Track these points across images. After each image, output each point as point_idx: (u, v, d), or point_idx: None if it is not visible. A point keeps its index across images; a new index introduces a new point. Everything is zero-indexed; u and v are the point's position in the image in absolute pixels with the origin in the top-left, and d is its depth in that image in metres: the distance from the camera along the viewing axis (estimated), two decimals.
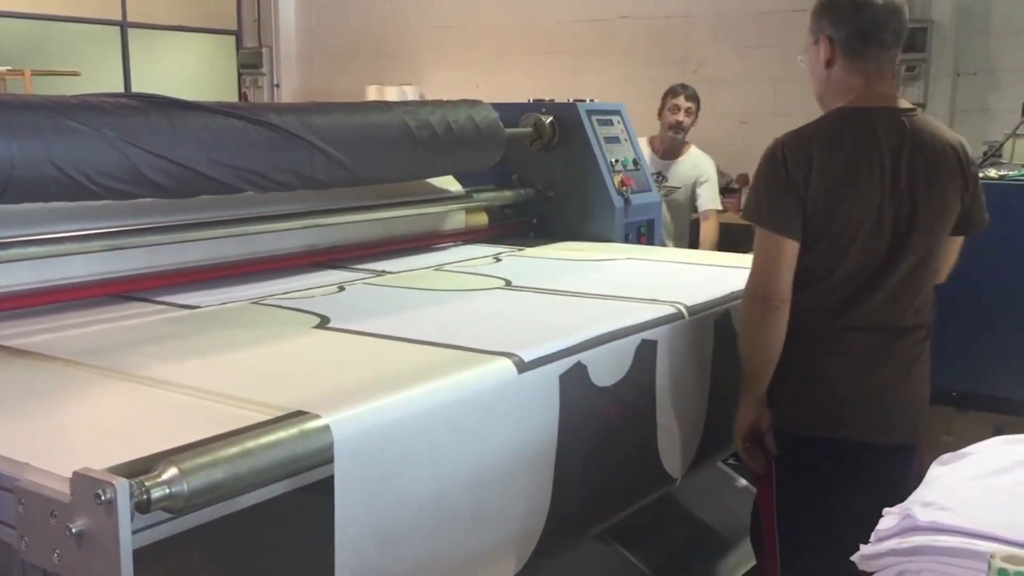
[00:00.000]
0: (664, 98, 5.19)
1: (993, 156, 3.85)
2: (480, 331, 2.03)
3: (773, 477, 2.31)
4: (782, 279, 2.20)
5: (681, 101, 5.10)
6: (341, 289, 2.49)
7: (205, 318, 2.17)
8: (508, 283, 2.56)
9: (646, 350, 2.07)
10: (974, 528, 1.33)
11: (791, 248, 2.19)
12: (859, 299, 2.22)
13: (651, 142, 5.08)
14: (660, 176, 4.90)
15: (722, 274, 2.70)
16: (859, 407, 2.24)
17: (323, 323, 2.09)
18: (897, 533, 1.41)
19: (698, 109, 5.16)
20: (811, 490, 2.26)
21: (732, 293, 2.39)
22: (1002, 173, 3.44)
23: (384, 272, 2.72)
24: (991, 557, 1.14)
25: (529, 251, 3.15)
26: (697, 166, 5.08)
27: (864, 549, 1.44)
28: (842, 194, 2.19)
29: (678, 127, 5.06)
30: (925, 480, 1.56)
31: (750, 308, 2.24)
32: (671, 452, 2.21)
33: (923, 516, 1.39)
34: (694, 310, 2.30)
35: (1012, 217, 3.32)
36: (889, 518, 1.45)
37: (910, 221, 2.21)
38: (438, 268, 2.81)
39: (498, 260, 2.97)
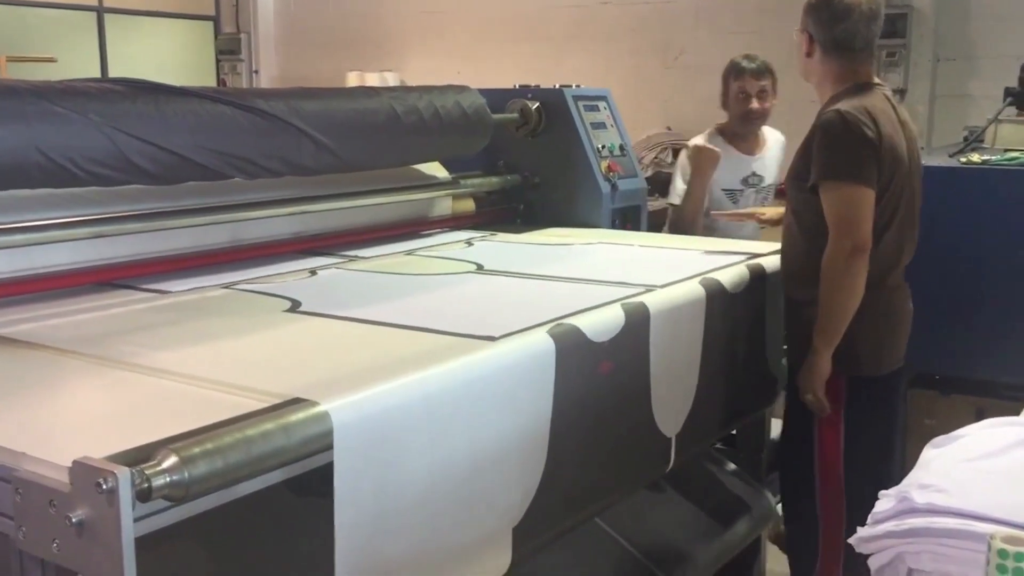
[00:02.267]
0: (725, 80, 3.88)
1: (974, 141, 3.87)
2: (453, 314, 2.06)
3: (841, 418, 2.57)
4: (866, 227, 2.47)
5: (749, 83, 3.75)
6: (313, 274, 2.49)
7: (185, 305, 2.16)
8: (480, 267, 2.58)
9: (638, 312, 2.08)
10: (971, 510, 1.35)
11: (870, 198, 2.47)
12: (903, 246, 2.63)
13: (726, 137, 3.85)
14: (755, 177, 3.83)
15: (699, 258, 2.73)
16: (906, 340, 2.68)
17: (294, 307, 2.10)
18: (894, 515, 1.42)
19: (775, 84, 3.84)
20: (880, 425, 2.64)
21: (703, 276, 2.41)
22: (984, 158, 3.46)
23: (357, 257, 2.72)
24: (991, 538, 1.15)
25: (502, 236, 3.16)
26: (781, 144, 3.93)
27: (861, 532, 1.45)
28: (896, 153, 2.53)
29: (752, 116, 3.78)
30: (919, 462, 1.58)
31: (838, 259, 2.46)
32: (665, 410, 2.21)
33: (920, 498, 1.40)
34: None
35: (994, 202, 3.35)
36: (885, 500, 1.46)
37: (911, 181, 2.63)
38: (410, 253, 2.81)
39: (470, 245, 2.98)
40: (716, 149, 3.63)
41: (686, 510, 2.67)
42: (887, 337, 2.64)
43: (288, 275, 2.46)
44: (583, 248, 2.95)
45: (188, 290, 2.28)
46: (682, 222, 3.72)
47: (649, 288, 2.24)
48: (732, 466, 2.89)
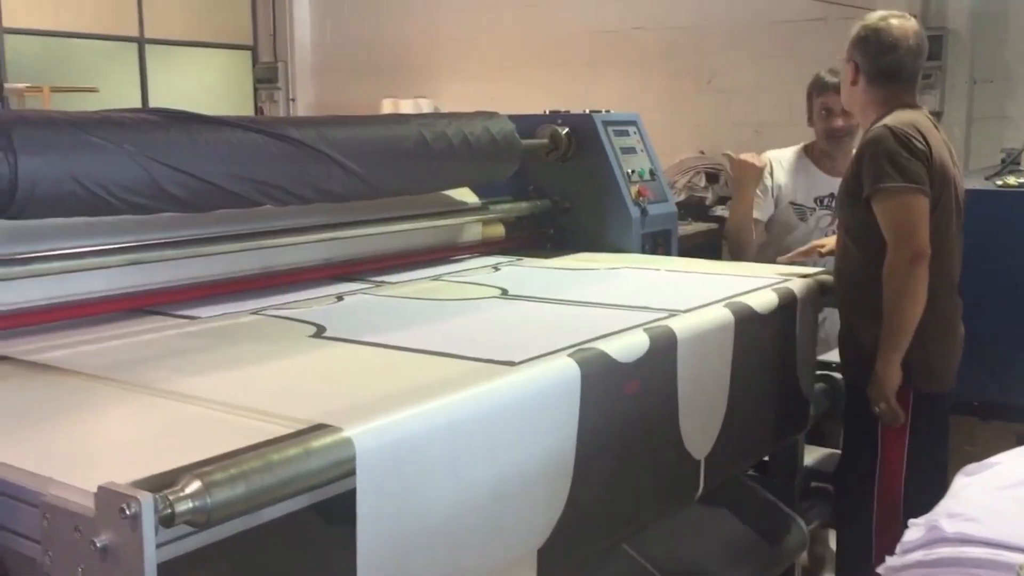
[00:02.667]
0: (809, 97, 3.62)
1: (1011, 163, 3.83)
2: (475, 339, 2.07)
3: (907, 431, 2.62)
4: (924, 233, 2.52)
5: (832, 99, 3.45)
6: (340, 299, 2.52)
7: (213, 332, 2.18)
8: (504, 292, 2.59)
9: (663, 336, 2.08)
10: (1001, 539, 1.32)
11: (925, 204, 2.53)
12: (955, 264, 2.70)
13: (813, 158, 3.67)
14: (831, 198, 3.52)
15: (728, 281, 2.71)
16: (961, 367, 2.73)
17: (319, 332, 2.13)
18: (923, 545, 1.40)
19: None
20: (941, 444, 2.73)
21: (728, 300, 2.41)
22: (1021, 180, 3.42)
23: (384, 283, 2.74)
24: (1020, 569, 1.13)
25: (528, 261, 3.17)
26: None
27: (890, 561, 1.43)
28: (945, 167, 2.60)
29: (835, 134, 3.55)
30: (950, 491, 1.56)
31: (900, 266, 2.51)
32: (694, 431, 2.20)
33: (950, 527, 1.38)
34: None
35: None
36: (915, 530, 1.44)
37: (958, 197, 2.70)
38: (436, 278, 2.82)
39: (497, 270, 2.99)
40: (757, 161, 3.57)
41: (717, 538, 2.64)
42: (955, 353, 2.72)
43: (315, 301, 2.48)
44: (607, 273, 2.95)
45: (216, 316, 2.31)
46: (729, 236, 3.75)
47: (672, 313, 2.23)
48: (765, 493, 2.85)
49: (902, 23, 2.72)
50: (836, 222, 3.42)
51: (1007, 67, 6.04)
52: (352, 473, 1.38)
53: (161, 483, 1.20)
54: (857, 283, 2.67)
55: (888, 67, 2.69)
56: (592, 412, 1.83)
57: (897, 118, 2.61)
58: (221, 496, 1.21)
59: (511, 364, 1.78)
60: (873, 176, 2.54)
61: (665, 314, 2.22)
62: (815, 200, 3.65)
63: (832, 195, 3.47)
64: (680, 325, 2.14)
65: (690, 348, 2.13)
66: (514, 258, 3.21)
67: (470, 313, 2.39)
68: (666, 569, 2.38)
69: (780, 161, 3.70)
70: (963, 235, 2.75)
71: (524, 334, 2.12)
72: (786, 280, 2.70)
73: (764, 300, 2.48)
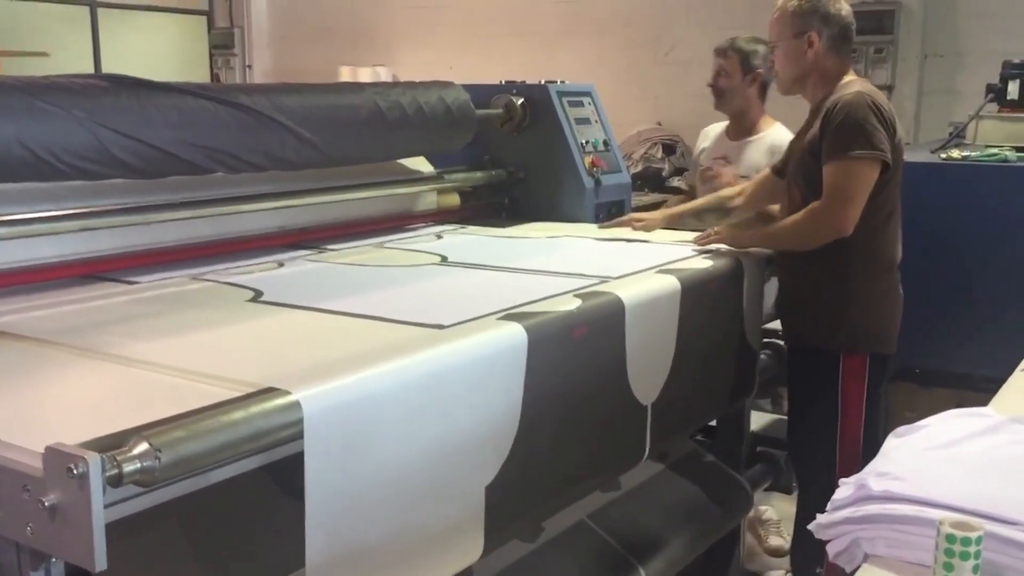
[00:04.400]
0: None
1: (957, 137, 3.91)
2: (408, 304, 2.11)
3: (864, 393, 2.74)
4: (859, 208, 2.58)
5: (713, 59, 3.72)
6: (280, 266, 2.55)
7: (161, 297, 2.20)
8: (444, 259, 2.64)
9: (595, 301, 2.13)
10: (925, 497, 1.38)
11: (875, 175, 2.58)
12: (900, 231, 2.77)
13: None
14: (724, 161, 3.67)
15: (667, 250, 2.78)
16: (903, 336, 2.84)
17: (256, 297, 2.16)
18: (852, 502, 1.45)
19: (745, 66, 3.62)
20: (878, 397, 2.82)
21: (662, 266, 2.49)
22: (965, 154, 3.50)
23: (326, 250, 2.77)
24: (940, 524, 1.18)
25: (471, 229, 3.22)
26: (777, 149, 3.38)
27: (820, 518, 1.48)
28: (899, 145, 2.67)
29: (713, 92, 3.71)
30: (881, 451, 1.61)
31: (821, 221, 2.60)
32: (641, 377, 2.25)
33: (877, 486, 1.43)
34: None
35: (973, 198, 3.39)
36: (845, 488, 1.49)
37: None
38: (378, 246, 2.86)
39: (439, 238, 3.03)
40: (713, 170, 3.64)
41: (664, 500, 2.70)
42: (900, 317, 2.82)
43: (256, 267, 2.51)
44: (547, 242, 3.00)
45: (155, 281, 2.32)
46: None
47: (604, 279, 2.30)
48: (711, 457, 2.92)
49: None
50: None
51: (957, 42, 6.12)
52: (300, 436, 1.41)
53: (109, 444, 1.22)
54: (825, 252, 2.68)
55: (847, 31, 2.77)
56: (538, 373, 1.87)
57: (864, 85, 2.70)
58: (169, 457, 1.23)
59: (440, 327, 1.83)
60: (840, 141, 2.58)
61: (597, 280, 2.28)
62: (714, 161, 3.76)
63: (725, 157, 3.67)
64: (620, 291, 2.18)
65: (634, 312, 2.17)
66: (458, 226, 3.24)
67: (406, 279, 2.44)
68: (613, 530, 2.44)
69: (708, 131, 3.91)
70: None
71: (457, 299, 2.17)
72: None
73: (697, 266, 2.55)
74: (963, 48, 6.12)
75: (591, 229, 3.22)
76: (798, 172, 2.78)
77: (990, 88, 4.06)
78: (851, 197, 2.57)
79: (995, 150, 3.50)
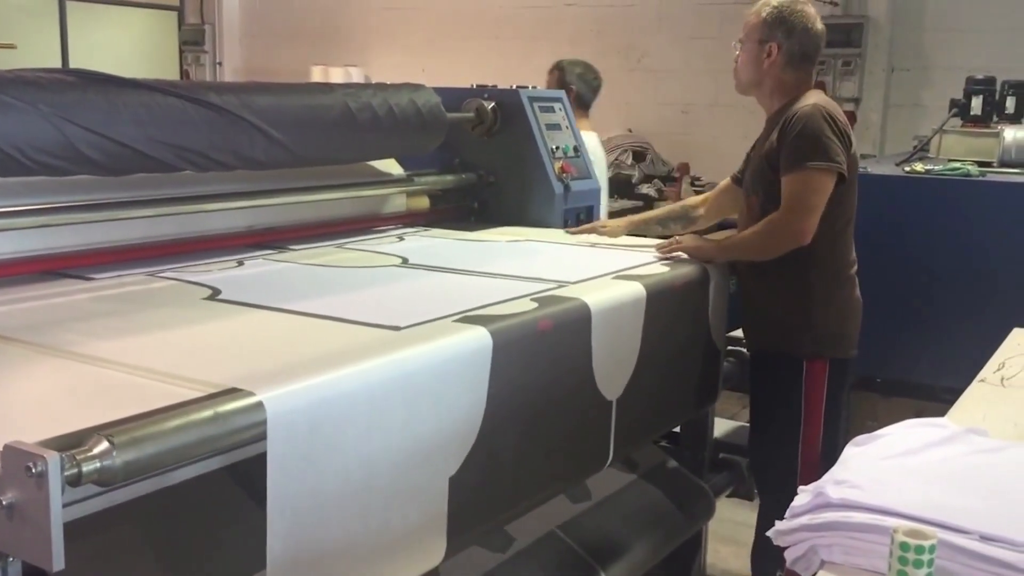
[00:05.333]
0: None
1: (921, 150, 3.97)
2: (366, 304, 2.11)
3: (823, 399, 2.78)
4: (816, 218, 2.63)
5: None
6: (240, 264, 2.54)
7: (123, 295, 2.18)
8: (405, 261, 2.64)
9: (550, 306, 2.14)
10: (882, 505, 1.40)
11: (831, 186, 2.63)
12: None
13: None
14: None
15: (621, 255, 2.82)
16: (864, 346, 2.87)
17: (213, 295, 2.15)
18: (810, 510, 1.47)
19: (562, 82, 4.53)
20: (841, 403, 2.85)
21: (618, 271, 2.52)
22: (928, 168, 3.56)
23: (287, 249, 2.77)
24: (894, 532, 1.20)
25: (434, 232, 3.23)
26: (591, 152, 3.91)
27: (779, 525, 1.50)
28: (855, 156, 2.73)
29: None
30: (840, 460, 1.63)
31: (779, 231, 2.65)
32: (606, 373, 2.26)
33: (835, 494, 1.45)
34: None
35: (934, 211, 3.45)
36: (803, 495, 1.51)
37: None
38: (339, 246, 2.86)
39: (401, 240, 3.04)
40: None
41: (628, 505, 2.72)
42: (859, 321, 2.85)
43: (215, 265, 2.50)
44: (508, 245, 3.02)
45: (111, 278, 2.30)
46: None
47: (562, 284, 2.32)
48: (674, 463, 2.95)
49: (811, 7, 2.85)
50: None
51: (924, 56, 6.23)
52: (263, 437, 1.40)
53: (68, 443, 1.21)
54: (786, 258, 2.71)
55: (808, 49, 2.79)
56: (502, 374, 1.88)
57: (821, 98, 2.74)
58: (129, 456, 1.22)
59: (396, 329, 1.84)
60: (797, 153, 2.63)
61: (555, 285, 2.30)
62: None
63: None
64: (582, 296, 2.20)
65: (599, 316, 2.19)
66: (421, 229, 3.24)
67: (365, 280, 2.44)
68: (576, 535, 2.45)
69: None
70: None
71: (414, 301, 2.18)
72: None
73: (667, 272, 2.58)
74: (929, 63, 6.22)
75: (558, 234, 3.24)
76: (756, 181, 2.82)
77: (954, 103, 4.13)
78: (810, 207, 2.62)
79: (958, 164, 3.56)
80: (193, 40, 9.17)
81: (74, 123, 2.11)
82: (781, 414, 2.83)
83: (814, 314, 2.75)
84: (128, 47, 9.14)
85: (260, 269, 2.53)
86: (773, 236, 2.66)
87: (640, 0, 7.27)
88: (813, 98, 2.74)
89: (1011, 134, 4.39)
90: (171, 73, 8.98)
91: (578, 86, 4.60)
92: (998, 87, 4.63)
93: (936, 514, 1.32)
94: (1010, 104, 4.56)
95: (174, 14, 9.41)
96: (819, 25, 2.83)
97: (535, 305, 2.07)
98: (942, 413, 1.84)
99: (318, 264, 2.58)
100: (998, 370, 2.23)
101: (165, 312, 2.04)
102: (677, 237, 2.87)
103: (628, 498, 2.77)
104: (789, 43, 2.77)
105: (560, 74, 4.61)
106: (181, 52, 9.27)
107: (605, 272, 2.50)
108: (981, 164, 4.22)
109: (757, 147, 2.88)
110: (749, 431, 3.02)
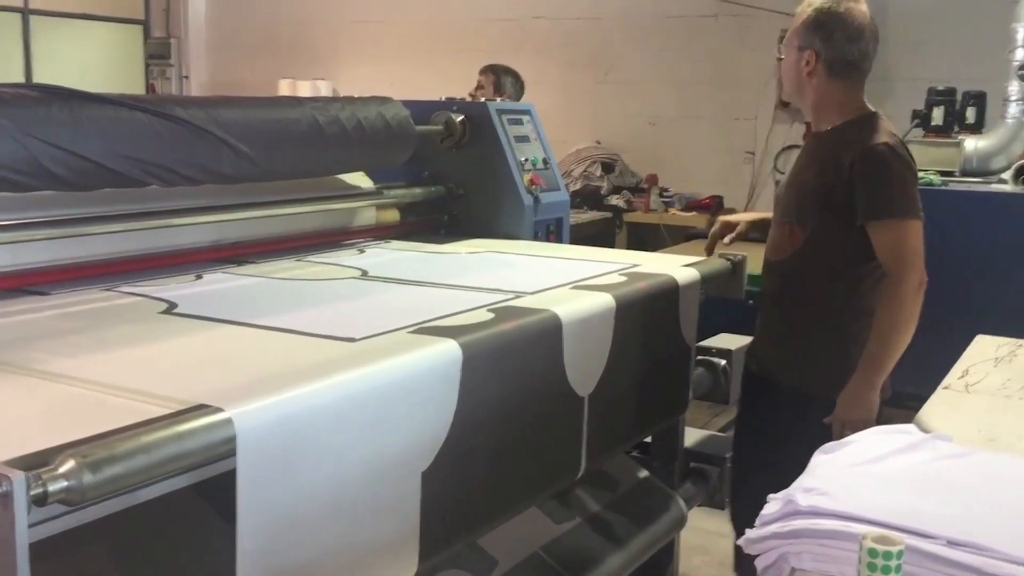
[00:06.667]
0: None
1: None
2: (325, 316, 2.12)
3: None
4: (923, 259, 2.49)
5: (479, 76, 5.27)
6: (199, 278, 2.53)
7: (77, 314, 2.16)
8: (364, 273, 2.64)
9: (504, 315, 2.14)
10: (850, 512, 1.41)
11: (921, 228, 2.49)
12: None
13: None
14: None
15: (582, 266, 2.82)
16: None
17: (169, 309, 2.14)
18: (780, 517, 1.48)
19: (497, 86, 5.16)
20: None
21: (576, 282, 2.52)
22: None
23: (247, 263, 2.76)
24: (863, 538, 1.22)
25: (395, 244, 3.23)
26: None
27: (749, 533, 1.51)
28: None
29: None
30: (808, 468, 1.65)
31: (911, 296, 2.46)
32: (578, 368, 2.26)
33: (804, 501, 1.47)
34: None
35: None
36: (773, 503, 1.53)
37: None
38: (299, 259, 2.86)
39: (362, 252, 3.04)
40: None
41: (598, 516, 2.72)
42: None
43: (173, 279, 2.49)
44: (469, 257, 3.03)
45: (66, 294, 2.28)
46: None
47: (519, 294, 2.33)
48: (645, 473, 2.96)
49: (859, 7, 2.56)
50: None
51: (887, 68, 6.32)
52: (232, 454, 1.39)
53: (34, 462, 1.19)
54: (817, 293, 2.63)
55: (855, 56, 2.53)
56: (471, 384, 1.87)
57: (887, 132, 2.54)
58: (96, 475, 1.21)
59: (351, 341, 1.84)
60: (879, 201, 2.46)
61: (512, 295, 2.32)
62: None
63: None
64: (542, 305, 2.22)
65: (570, 327, 2.19)
66: (382, 241, 3.24)
67: (322, 293, 2.44)
68: (546, 546, 2.45)
69: None
70: None
71: (371, 313, 2.18)
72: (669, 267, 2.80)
73: (616, 282, 2.57)
74: (891, 75, 6.31)
75: (523, 245, 3.25)
76: (804, 212, 2.61)
77: (916, 114, 4.20)
78: (916, 259, 2.47)
79: (920, 174, 3.61)
80: (159, 54, 9.12)
81: (38, 138, 2.09)
82: (800, 452, 2.65)
83: (851, 361, 2.58)
84: (93, 61, 9.06)
85: (218, 282, 2.52)
86: (907, 308, 2.47)
87: (607, 13, 7.33)
88: (884, 133, 2.52)
89: (972, 144, 4.48)
90: (137, 87, 8.92)
91: (512, 92, 5.04)
92: (958, 98, 4.72)
93: (904, 520, 1.34)
94: (970, 114, 4.66)
95: (140, 28, 9.35)
96: (868, 27, 2.54)
97: (492, 316, 2.08)
98: (908, 420, 1.87)
99: (277, 277, 2.57)
100: (962, 376, 2.26)
101: (123, 327, 2.01)
102: (842, 421, 2.55)
103: (597, 507, 2.77)
104: (828, 51, 2.51)
105: (496, 78, 5.09)
106: (147, 66, 9.22)
107: (564, 283, 2.51)
108: (943, 173, 4.29)
109: (802, 171, 2.67)
110: (747, 455, 2.92)
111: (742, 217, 3.14)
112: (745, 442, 2.97)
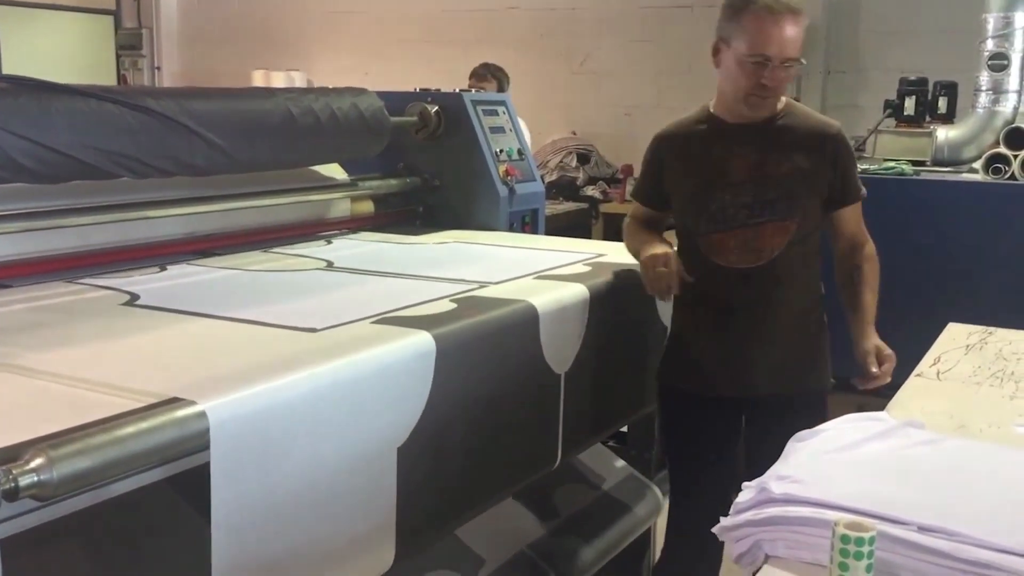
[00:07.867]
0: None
1: (857, 151, 4.05)
2: (289, 307, 2.10)
3: None
4: None
5: (475, 82, 5.27)
6: (162, 269, 2.52)
7: (59, 305, 2.14)
8: (330, 264, 2.65)
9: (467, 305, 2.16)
10: (823, 499, 1.42)
11: None
12: None
13: None
14: None
15: (548, 256, 2.84)
16: None
17: (131, 301, 2.13)
18: (754, 505, 1.49)
19: (499, 86, 5.31)
20: None
21: (539, 272, 2.55)
22: (864, 167, 3.63)
23: (212, 254, 2.74)
24: (835, 524, 1.23)
25: (363, 235, 3.22)
26: None
27: (724, 521, 1.52)
28: None
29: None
30: (782, 455, 1.66)
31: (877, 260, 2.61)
32: (554, 346, 2.27)
33: (777, 489, 1.48)
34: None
35: (872, 210, 3.50)
36: (747, 492, 1.53)
37: None
38: (265, 251, 2.84)
39: (329, 243, 3.05)
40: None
41: (575, 505, 2.73)
42: None
43: (136, 271, 2.47)
44: (436, 248, 3.03)
45: (29, 287, 2.26)
46: None
47: (483, 284, 2.34)
48: (621, 462, 2.97)
49: None
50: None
51: (859, 58, 6.35)
52: (206, 447, 1.39)
53: (4, 457, 1.18)
54: (810, 286, 2.61)
55: None
56: (444, 374, 1.88)
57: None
58: (66, 470, 1.20)
59: (313, 331, 1.85)
60: (856, 181, 2.58)
61: (476, 285, 2.33)
62: None
63: None
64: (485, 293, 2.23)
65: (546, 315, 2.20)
66: (349, 232, 3.23)
67: (287, 284, 2.44)
68: (533, 544, 2.46)
69: None
70: None
71: (334, 303, 2.18)
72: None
73: (579, 271, 2.60)
74: (864, 65, 6.35)
75: (494, 236, 3.25)
76: (791, 206, 2.45)
77: (888, 104, 4.23)
78: None
79: (892, 163, 3.65)
80: (130, 44, 9.01)
81: (8, 131, 2.07)
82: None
83: (825, 341, 2.65)
84: (63, 52, 8.94)
85: (181, 274, 2.50)
86: (876, 265, 2.65)
87: (582, 3, 7.31)
88: (818, 113, 2.62)
89: (943, 134, 4.52)
90: (108, 78, 8.82)
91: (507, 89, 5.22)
92: (930, 87, 4.75)
93: (876, 506, 1.35)
94: (942, 104, 4.69)
95: (110, 18, 9.23)
96: None
97: (454, 306, 2.08)
98: (881, 407, 1.88)
99: (241, 269, 2.56)
100: (934, 364, 2.29)
101: (85, 319, 2.00)
102: (875, 371, 2.52)
103: (574, 496, 2.79)
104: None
105: (498, 82, 5.25)
106: (118, 57, 9.11)
107: (527, 272, 2.52)
108: (915, 163, 4.32)
109: (772, 164, 2.46)
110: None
111: (665, 250, 2.59)
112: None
